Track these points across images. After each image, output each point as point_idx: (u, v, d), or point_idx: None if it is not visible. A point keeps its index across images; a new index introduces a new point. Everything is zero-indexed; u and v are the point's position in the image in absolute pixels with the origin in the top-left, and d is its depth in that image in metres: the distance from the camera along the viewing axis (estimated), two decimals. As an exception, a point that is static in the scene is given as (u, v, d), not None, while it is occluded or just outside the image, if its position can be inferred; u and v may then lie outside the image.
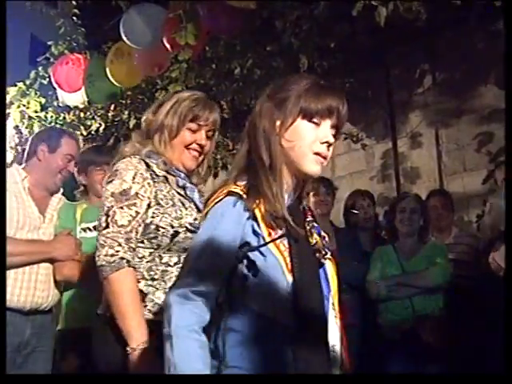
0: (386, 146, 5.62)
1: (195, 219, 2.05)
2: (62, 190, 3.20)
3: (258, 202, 1.51)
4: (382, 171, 5.64)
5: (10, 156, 6.02)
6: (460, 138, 5.13)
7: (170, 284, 1.97)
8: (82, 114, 6.44)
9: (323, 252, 1.59)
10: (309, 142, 1.57)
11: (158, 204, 2.04)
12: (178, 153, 2.18)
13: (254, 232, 1.50)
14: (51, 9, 5.41)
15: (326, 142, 1.58)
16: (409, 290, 3.65)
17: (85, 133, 6.48)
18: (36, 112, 6.34)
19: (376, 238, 4.34)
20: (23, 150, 3.34)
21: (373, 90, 5.44)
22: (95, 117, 6.44)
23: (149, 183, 2.05)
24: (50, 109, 6.40)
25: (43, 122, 6.43)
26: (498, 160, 4.54)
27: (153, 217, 2.02)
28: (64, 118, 6.43)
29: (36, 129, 6.47)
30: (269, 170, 1.55)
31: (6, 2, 2.94)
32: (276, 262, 1.48)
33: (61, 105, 5.92)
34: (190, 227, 2.03)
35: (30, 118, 6.34)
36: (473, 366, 3.35)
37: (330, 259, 1.62)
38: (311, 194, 4.08)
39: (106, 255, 1.94)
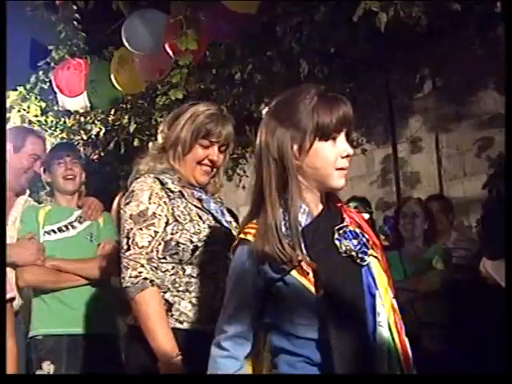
0: (386, 150, 5.63)
1: (213, 231, 2.09)
2: (28, 192, 3.16)
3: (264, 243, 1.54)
4: (382, 176, 5.64)
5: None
6: (460, 143, 5.14)
7: (194, 294, 2.05)
8: (82, 119, 6.44)
9: (359, 255, 1.57)
10: (331, 161, 1.57)
11: (176, 221, 2.06)
12: (190, 168, 2.19)
13: (270, 266, 1.53)
14: (52, 13, 5.40)
15: (347, 156, 1.58)
16: (409, 295, 3.65)
17: (85, 137, 6.48)
18: (36, 116, 6.34)
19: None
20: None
21: (373, 95, 5.45)
22: (95, 121, 6.44)
23: (165, 202, 2.07)
24: (50, 113, 6.40)
25: (43, 127, 6.42)
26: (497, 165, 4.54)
27: (172, 234, 2.05)
28: (64, 122, 6.43)
29: (36, 133, 6.47)
30: (278, 195, 1.56)
31: (7, 3, 2.91)
32: (300, 286, 1.51)
33: (61, 109, 5.92)
34: (208, 240, 2.07)
35: (31, 122, 6.33)
36: (475, 369, 3.34)
37: (374, 256, 1.61)
38: None
39: (130, 277, 1.98)
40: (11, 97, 6.22)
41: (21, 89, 6.31)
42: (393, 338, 1.54)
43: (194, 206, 2.13)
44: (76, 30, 6.13)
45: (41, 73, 6.20)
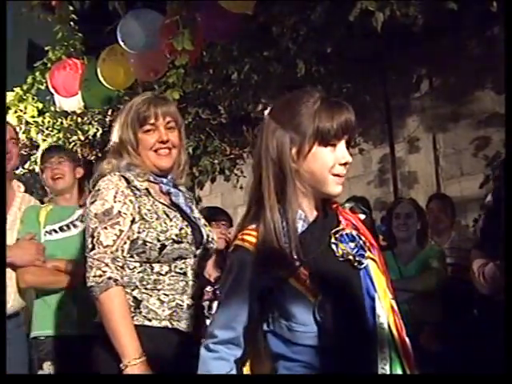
0: (383, 150, 5.62)
1: (181, 229, 2.08)
2: (23, 188, 3.15)
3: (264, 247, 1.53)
4: (379, 176, 5.64)
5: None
6: (457, 142, 5.13)
7: (162, 291, 2.03)
8: (79, 119, 6.45)
9: (357, 258, 1.56)
10: (329, 167, 1.55)
11: (143, 219, 2.05)
12: (147, 158, 2.18)
13: (268, 273, 1.51)
14: (48, 14, 5.40)
15: (345, 163, 1.57)
16: (405, 294, 3.65)
17: (82, 138, 6.49)
18: (33, 117, 6.35)
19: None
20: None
21: (370, 95, 5.44)
22: (92, 122, 6.45)
23: (130, 200, 2.06)
24: (47, 114, 6.42)
25: (40, 127, 6.43)
26: (494, 164, 4.55)
27: (139, 232, 2.03)
28: (61, 123, 6.44)
29: (33, 134, 6.47)
30: (277, 198, 1.54)
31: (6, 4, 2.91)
32: (296, 292, 1.49)
33: (58, 110, 5.92)
34: (176, 238, 2.05)
35: (28, 123, 6.35)
36: (471, 369, 3.34)
37: (371, 258, 1.60)
38: None
39: (94, 276, 1.96)
40: (8, 98, 6.22)
41: (17, 89, 6.32)
42: (394, 339, 1.54)
43: (161, 203, 2.12)
44: (72, 31, 6.14)
45: (37, 73, 6.21)
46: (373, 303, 1.55)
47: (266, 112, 1.64)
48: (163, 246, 2.03)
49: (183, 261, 2.09)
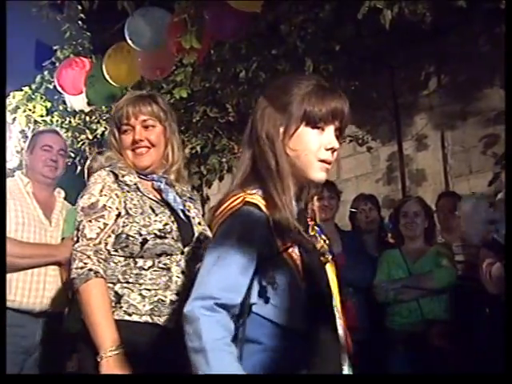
0: (391, 148, 5.62)
1: (166, 224, 2.08)
2: (63, 194, 3.26)
3: (271, 212, 1.47)
4: (387, 174, 5.64)
5: (16, 161, 6.04)
6: (466, 140, 5.12)
7: (144, 286, 2.03)
8: (87, 118, 6.46)
9: (327, 255, 1.58)
10: (314, 149, 1.53)
11: (128, 213, 2.06)
12: (127, 157, 2.21)
13: (268, 242, 1.47)
14: (57, 13, 5.42)
15: (331, 149, 1.55)
16: (415, 292, 3.65)
17: (90, 137, 6.50)
18: (42, 116, 6.36)
19: (381, 241, 4.33)
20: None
21: (378, 93, 5.44)
22: (100, 121, 6.46)
23: (117, 194, 2.08)
24: (55, 113, 6.43)
25: (49, 127, 6.45)
26: (503, 162, 4.53)
27: (123, 226, 2.05)
28: (70, 122, 6.45)
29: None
30: (277, 178, 1.51)
31: (8, 4, 2.96)
32: (290, 272, 1.47)
33: (69, 109, 5.93)
34: (158, 233, 2.05)
35: (36, 122, 6.36)
36: (480, 367, 3.34)
37: (329, 262, 1.60)
38: (315, 198, 4.07)
39: (76, 268, 1.98)
40: (17, 97, 6.25)
41: (26, 89, 6.33)
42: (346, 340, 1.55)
43: (150, 198, 2.13)
44: (81, 30, 6.16)
45: (46, 73, 6.23)
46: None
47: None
48: (145, 241, 2.04)
49: (168, 257, 2.08)
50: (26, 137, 6.30)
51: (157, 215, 2.09)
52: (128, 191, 2.11)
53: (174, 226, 2.10)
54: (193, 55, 4.03)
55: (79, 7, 5.06)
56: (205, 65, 5.20)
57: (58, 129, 3.92)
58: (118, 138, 2.22)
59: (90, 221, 2.03)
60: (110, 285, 2.03)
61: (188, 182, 2.39)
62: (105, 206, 2.05)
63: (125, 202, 2.08)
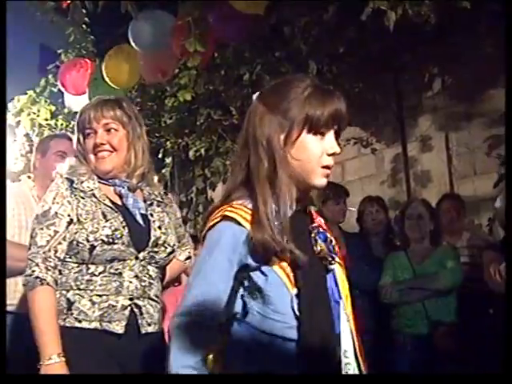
0: (395, 150, 5.61)
1: (115, 230, 2.07)
2: None
3: (253, 228, 1.45)
4: (392, 175, 5.63)
5: (20, 164, 6.05)
6: (470, 141, 5.11)
7: (95, 292, 2.04)
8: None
9: (329, 258, 1.55)
10: (317, 156, 1.51)
11: (79, 220, 2.07)
12: (90, 161, 2.21)
13: (252, 253, 1.46)
14: (61, 17, 5.43)
15: (333, 154, 1.53)
16: (421, 293, 3.64)
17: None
18: (46, 120, 6.38)
19: (387, 244, 4.32)
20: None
21: (382, 95, 5.43)
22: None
23: (69, 201, 2.09)
24: (59, 116, 6.44)
25: (53, 130, 6.46)
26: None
27: (75, 233, 2.06)
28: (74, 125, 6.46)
29: (46, 136, 6.49)
30: (268, 183, 1.48)
31: (12, 8, 2.97)
32: (278, 279, 1.45)
33: (74, 111, 5.94)
34: (106, 239, 2.05)
35: (41, 125, 6.38)
36: (485, 369, 3.33)
37: (338, 263, 1.58)
38: (331, 201, 4.08)
39: (25, 275, 2.02)
40: (21, 100, 6.27)
41: (30, 92, 6.35)
42: (354, 345, 1.53)
43: (106, 204, 2.13)
44: (85, 34, 6.16)
45: (50, 76, 6.24)
46: (338, 307, 1.54)
47: (254, 96, 1.60)
48: (92, 247, 2.04)
49: (121, 262, 2.08)
50: (31, 140, 6.33)
51: (107, 221, 2.08)
52: (82, 197, 2.11)
53: (125, 231, 2.09)
54: (197, 58, 4.02)
55: (84, 11, 5.06)
56: (209, 67, 5.20)
57: (70, 134, 3.94)
58: (82, 142, 2.23)
59: (42, 228, 2.06)
60: (64, 292, 2.05)
61: (159, 186, 2.38)
62: (56, 213, 2.06)
63: (77, 208, 2.08)
